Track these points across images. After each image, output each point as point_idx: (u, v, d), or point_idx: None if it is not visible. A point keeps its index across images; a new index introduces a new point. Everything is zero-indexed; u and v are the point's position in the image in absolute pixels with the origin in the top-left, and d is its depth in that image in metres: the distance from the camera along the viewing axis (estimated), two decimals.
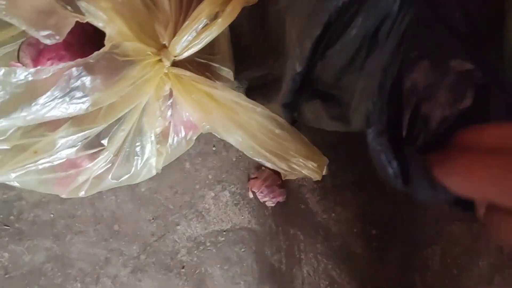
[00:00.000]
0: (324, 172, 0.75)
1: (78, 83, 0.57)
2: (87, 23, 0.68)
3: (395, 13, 0.40)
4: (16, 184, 0.69)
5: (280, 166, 0.73)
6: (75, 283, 0.77)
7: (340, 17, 0.45)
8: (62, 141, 0.62)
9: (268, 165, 0.72)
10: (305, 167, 0.73)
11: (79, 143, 0.65)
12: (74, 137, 0.62)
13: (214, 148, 0.81)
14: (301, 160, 0.72)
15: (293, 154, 0.72)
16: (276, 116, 0.70)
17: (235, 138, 0.70)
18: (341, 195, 0.80)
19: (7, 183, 0.67)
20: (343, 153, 0.80)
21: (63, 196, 0.75)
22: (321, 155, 0.75)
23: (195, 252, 0.78)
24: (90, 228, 0.78)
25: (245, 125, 0.69)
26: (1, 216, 0.78)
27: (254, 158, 0.72)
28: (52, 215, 0.78)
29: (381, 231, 0.79)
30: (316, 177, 0.75)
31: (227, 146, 0.81)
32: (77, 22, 0.68)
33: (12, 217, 0.78)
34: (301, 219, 0.80)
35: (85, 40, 0.69)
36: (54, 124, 0.63)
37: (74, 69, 0.56)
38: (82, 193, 0.74)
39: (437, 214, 0.80)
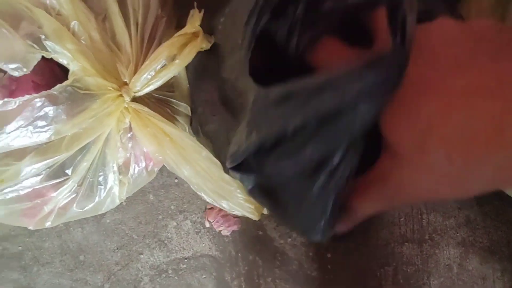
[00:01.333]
0: (264, 212, 0.80)
1: (41, 113, 0.62)
2: (56, 65, 0.75)
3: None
4: None
5: (221, 203, 0.77)
6: None
7: (296, 137, 0.49)
8: (27, 169, 0.67)
9: (209, 200, 0.77)
10: (243, 207, 0.77)
11: (43, 171, 0.69)
12: (39, 165, 0.67)
13: (176, 180, 0.85)
14: (239, 201, 0.77)
15: (232, 196, 0.76)
16: (218, 162, 0.75)
17: (183, 172, 0.75)
18: None
19: None
20: None
21: (31, 227, 0.78)
22: None
23: (158, 279, 0.81)
24: (57, 259, 0.81)
25: (192, 162, 0.74)
26: None
27: (198, 193, 0.76)
28: (20, 248, 0.81)
29: (335, 254, 0.83)
30: (254, 217, 0.79)
31: None
32: (46, 64, 0.75)
33: None
34: (259, 245, 0.83)
35: (54, 82, 0.75)
36: (19, 154, 0.68)
37: (37, 99, 0.62)
38: (48, 224, 0.77)
39: (388, 236, 0.84)
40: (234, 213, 0.80)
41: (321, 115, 0.41)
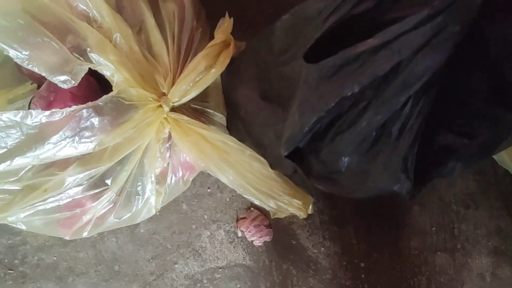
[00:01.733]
0: (309, 211, 0.81)
1: (88, 123, 0.63)
2: (93, 77, 0.76)
3: (407, 113, 0.46)
4: (22, 226, 0.73)
5: (268, 203, 0.78)
6: None
7: (351, 109, 0.49)
8: (70, 179, 0.67)
9: (257, 202, 0.78)
10: (291, 205, 0.78)
11: (86, 181, 0.70)
12: (81, 175, 0.67)
13: (209, 190, 0.86)
14: (286, 198, 0.78)
15: (279, 193, 0.78)
16: (263, 159, 0.77)
17: (227, 177, 0.76)
18: (329, 230, 0.85)
19: (13, 226, 0.71)
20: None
21: (67, 237, 0.79)
22: (305, 194, 0.80)
23: None
24: (91, 269, 0.81)
25: (235, 165, 0.75)
26: (6, 260, 0.81)
27: (244, 196, 0.77)
28: (55, 258, 0.82)
29: (369, 264, 0.83)
30: (302, 215, 0.80)
31: (221, 187, 0.86)
32: (83, 76, 0.76)
33: (16, 261, 0.81)
34: (293, 254, 0.84)
35: (90, 93, 0.76)
36: (63, 164, 0.68)
37: (84, 110, 0.63)
38: (85, 234, 0.78)
39: (420, 245, 0.85)
40: (282, 212, 0.81)
41: (377, 77, 0.43)
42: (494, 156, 0.80)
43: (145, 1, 0.76)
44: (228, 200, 0.86)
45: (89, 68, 0.74)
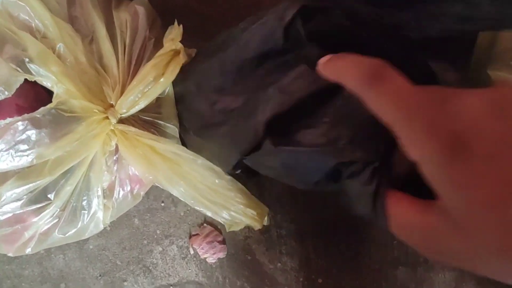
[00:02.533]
0: (265, 222, 0.80)
1: (24, 136, 0.61)
2: (41, 88, 0.75)
3: None
4: None
5: (221, 215, 0.77)
6: None
7: None
8: (8, 194, 0.65)
9: (210, 214, 0.77)
10: (245, 215, 0.77)
11: (25, 196, 0.68)
12: (20, 189, 0.65)
13: (162, 204, 0.85)
14: (241, 208, 0.77)
15: (233, 203, 0.77)
16: (216, 168, 0.76)
17: (177, 189, 0.74)
18: (286, 244, 0.84)
19: None
20: (287, 204, 0.85)
21: (10, 254, 0.77)
22: (260, 204, 0.79)
23: None
24: (37, 287, 0.79)
25: (187, 176, 0.74)
26: None
27: (196, 208, 0.76)
28: None
29: (327, 279, 0.82)
30: (257, 225, 0.79)
31: (175, 201, 0.85)
32: (31, 87, 0.74)
33: None
34: (248, 270, 0.82)
35: (37, 105, 0.74)
36: (0, 179, 0.67)
37: (20, 123, 0.61)
38: (28, 250, 0.76)
39: (381, 260, 0.84)
40: (236, 223, 0.80)
41: None
42: None
43: (98, 10, 0.75)
44: (182, 214, 0.84)
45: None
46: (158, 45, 0.81)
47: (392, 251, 0.84)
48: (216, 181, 0.75)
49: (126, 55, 0.75)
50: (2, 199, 0.66)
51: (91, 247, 0.81)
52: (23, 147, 0.63)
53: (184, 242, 0.83)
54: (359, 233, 0.85)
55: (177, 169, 0.73)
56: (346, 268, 0.83)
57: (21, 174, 0.66)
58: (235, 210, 0.77)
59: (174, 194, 0.74)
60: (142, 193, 0.80)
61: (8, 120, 0.62)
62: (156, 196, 0.85)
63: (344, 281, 0.83)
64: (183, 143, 0.81)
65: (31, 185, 0.66)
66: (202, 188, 0.75)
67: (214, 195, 0.75)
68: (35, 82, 0.73)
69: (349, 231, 0.85)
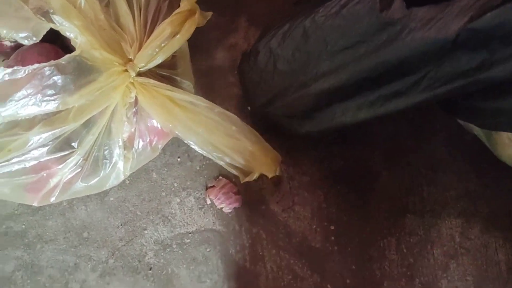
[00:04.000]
0: (277, 172, 0.84)
1: (50, 82, 0.65)
2: (60, 50, 0.79)
3: None
4: None
5: (237, 159, 0.81)
6: None
7: None
8: (35, 139, 0.70)
9: (226, 161, 0.81)
10: (259, 161, 0.82)
11: (50, 142, 0.72)
12: (46, 135, 0.70)
13: (179, 159, 0.89)
14: (255, 153, 0.82)
15: (248, 149, 0.81)
16: (232, 115, 0.80)
17: (196, 137, 0.79)
18: (299, 195, 0.88)
19: None
20: (299, 157, 0.89)
21: (35, 204, 0.81)
22: (273, 151, 0.84)
23: (162, 254, 0.84)
24: (60, 236, 0.84)
25: (204, 123, 0.78)
26: None
27: (212, 155, 0.81)
28: (23, 226, 0.84)
29: (339, 226, 0.86)
30: (270, 173, 0.83)
31: (191, 157, 0.89)
32: (52, 48, 0.79)
33: None
34: (262, 219, 0.87)
35: None
36: (27, 125, 0.71)
37: (46, 68, 0.65)
38: (53, 199, 0.80)
39: (390, 208, 0.88)
40: (250, 171, 0.84)
41: None
42: (460, 122, 0.84)
43: None
44: (198, 168, 0.89)
45: (59, 41, 0.78)
46: (172, 7, 0.86)
47: (400, 200, 0.88)
48: (233, 127, 0.80)
49: (142, 16, 0.79)
50: (29, 144, 0.70)
51: (111, 199, 0.86)
52: (49, 91, 0.67)
53: (201, 194, 0.87)
54: (369, 185, 0.89)
55: (194, 117, 0.78)
56: (357, 216, 0.87)
57: (48, 121, 0.71)
58: (250, 155, 0.81)
59: (191, 142, 0.78)
60: (160, 146, 0.84)
61: (36, 65, 0.66)
62: (172, 152, 0.89)
63: (355, 227, 0.87)
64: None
65: (56, 130, 0.70)
66: (218, 134, 0.79)
67: (230, 140, 0.80)
68: (56, 43, 0.77)
69: (359, 183, 0.90)
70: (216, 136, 0.79)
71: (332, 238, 0.86)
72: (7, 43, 0.73)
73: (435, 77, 0.59)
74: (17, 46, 0.74)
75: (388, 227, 0.87)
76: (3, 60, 0.81)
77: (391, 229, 0.87)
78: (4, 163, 0.74)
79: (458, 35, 0.54)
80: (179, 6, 0.81)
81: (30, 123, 0.72)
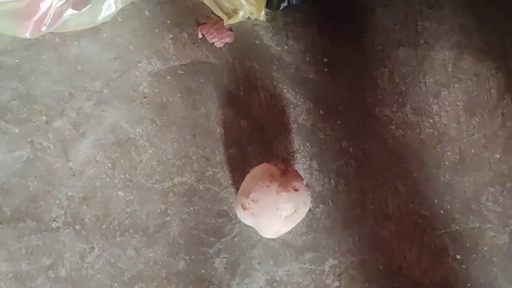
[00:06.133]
0: (262, 17, 0.86)
1: None
2: None
3: None
4: None
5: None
6: (41, 116, 0.83)
7: None
8: None
9: None
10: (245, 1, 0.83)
11: None
12: None
13: None
14: None
15: None
16: None
17: None
18: (292, 30, 0.89)
19: None
20: None
21: (27, 35, 0.82)
22: None
23: (156, 84, 0.85)
24: (54, 69, 0.85)
25: None
26: None
27: None
28: (17, 60, 0.85)
29: (332, 58, 0.88)
30: (255, 14, 0.85)
31: None
32: None
33: None
34: (256, 53, 0.88)
35: None
36: None
37: None
38: (44, 28, 0.81)
39: (383, 42, 0.89)
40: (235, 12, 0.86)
41: None
42: None
43: None
44: (190, 6, 0.89)
45: None
46: None
47: (394, 34, 0.90)
48: None
49: None
50: None
51: (104, 35, 0.87)
52: None
53: (194, 30, 0.88)
54: (363, 20, 0.91)
55: None
56: (351, 49, 0.89)
57: None
58: None
59: None
60: None
61: None
62: None
63: (349, 59, 0.88)
64: None
65: None
66: None
67: None
68: None
69: (353, 18, 0.91)
70: None
71: (326, 69, 0.88)
72: None
73: None
74: None
75: (381, 58, 0.89)
76: None
77: (384, 60, 0.89)
78: None
79: None
80: None
81: None
